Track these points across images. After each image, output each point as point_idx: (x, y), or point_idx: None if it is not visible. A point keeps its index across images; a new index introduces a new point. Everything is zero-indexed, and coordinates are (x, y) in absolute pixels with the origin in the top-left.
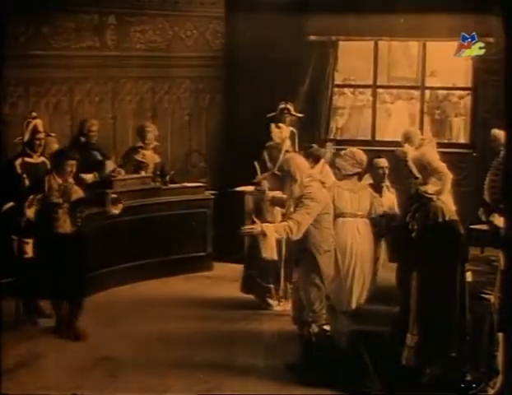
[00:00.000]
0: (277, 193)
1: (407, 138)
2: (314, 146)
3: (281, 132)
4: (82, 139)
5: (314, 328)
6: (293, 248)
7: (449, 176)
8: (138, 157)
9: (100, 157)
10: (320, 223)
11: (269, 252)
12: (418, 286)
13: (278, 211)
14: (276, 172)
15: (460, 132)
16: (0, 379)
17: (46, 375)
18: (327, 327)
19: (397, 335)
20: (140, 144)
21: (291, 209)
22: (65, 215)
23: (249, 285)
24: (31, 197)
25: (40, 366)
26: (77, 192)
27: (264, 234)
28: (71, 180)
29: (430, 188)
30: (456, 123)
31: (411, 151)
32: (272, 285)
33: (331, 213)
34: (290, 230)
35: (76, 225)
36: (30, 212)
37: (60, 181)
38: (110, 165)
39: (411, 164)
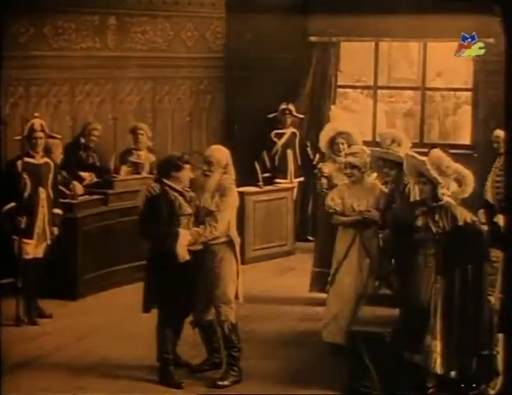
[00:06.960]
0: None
1: (393, 140)
2: None
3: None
4: (82, 140)
5: (229, 325)
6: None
7: (471, 176)
8: (133, 158)
9: (97, 161)
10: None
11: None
12: (446, 291)
13: None
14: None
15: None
16: (0, 380)
17: (46, 375)
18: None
19: (400, 336)
20: (133, 146)
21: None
22: None
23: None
24: None
25: (40, 366)
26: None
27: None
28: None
29: (448, 191)
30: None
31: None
32: None
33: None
34: (204, 231)
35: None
36: None
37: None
38: None
39: (431, 169)
